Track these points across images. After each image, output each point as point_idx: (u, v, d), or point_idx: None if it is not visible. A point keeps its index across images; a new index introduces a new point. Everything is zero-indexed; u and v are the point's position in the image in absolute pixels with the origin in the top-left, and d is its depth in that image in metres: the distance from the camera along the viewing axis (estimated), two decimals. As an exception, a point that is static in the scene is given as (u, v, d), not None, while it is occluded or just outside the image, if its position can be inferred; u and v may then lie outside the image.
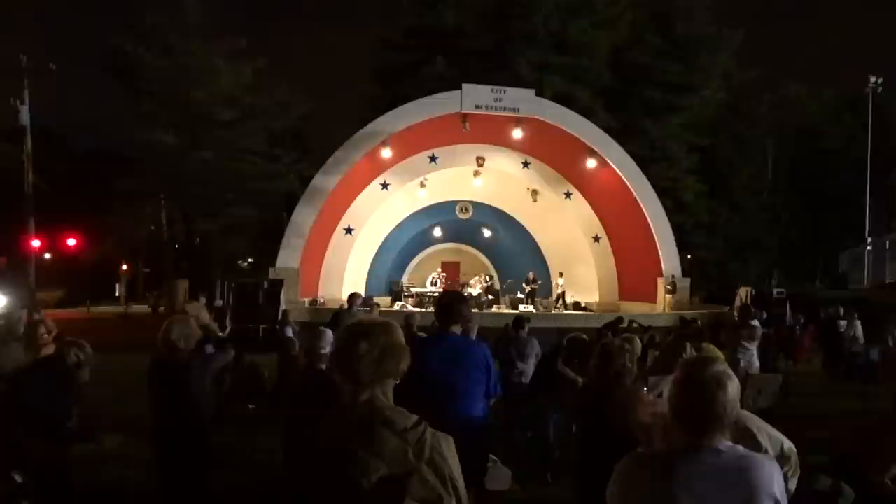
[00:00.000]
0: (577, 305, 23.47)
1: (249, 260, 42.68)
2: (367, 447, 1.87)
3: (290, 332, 12.16)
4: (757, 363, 8.49)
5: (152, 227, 32.76)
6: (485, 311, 21.41)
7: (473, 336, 7.42)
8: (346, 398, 2.02)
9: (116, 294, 41.17)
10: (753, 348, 8.50)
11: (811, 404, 10.53)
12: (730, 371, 2.08)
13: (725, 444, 2.03)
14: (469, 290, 23.22)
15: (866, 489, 3.98)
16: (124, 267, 42.82)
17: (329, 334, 4.83)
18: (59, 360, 4.69)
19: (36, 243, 22.82)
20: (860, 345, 14.18)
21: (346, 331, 2.11)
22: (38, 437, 4.25)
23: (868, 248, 30.34)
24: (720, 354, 8.12)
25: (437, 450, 1.93)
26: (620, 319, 11.24)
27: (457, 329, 4.14)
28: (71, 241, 30.33)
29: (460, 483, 1.97)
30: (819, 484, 3.70)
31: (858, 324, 14.56)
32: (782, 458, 3.27)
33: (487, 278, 24.50)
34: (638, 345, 5.85)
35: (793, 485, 3.26)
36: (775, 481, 2.02)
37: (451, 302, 4.18)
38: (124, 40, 26.82)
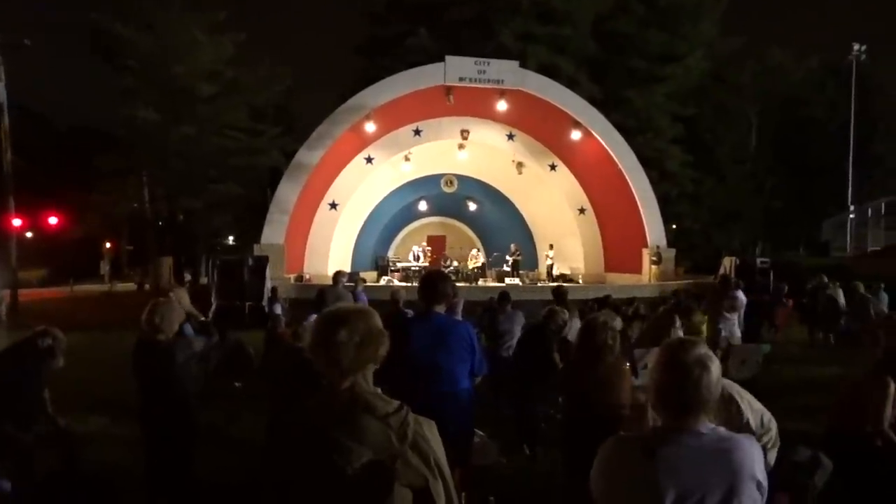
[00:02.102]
0: (563, 277, 23.56)
1: (231, 239, 42.37)
2: (349, 434, 1.88)
3: (279, 309, 12.15)
4: (738, 333, 8.57)
5: (135, 205, 32.40)
6: (472, 284, 21.53)
7: (459, 311, 7.45)
8: (327, 386, 2.01)
9: (101, 272, 40.91)
10: (734, 318, 8.58)
11: (793, 372, 10.65)
12: (711, 353, 2.08)
13: (708, 426, 2.04)
14: (454, 263, 23.44)
15: (862, 447, 4.06)
16: (108, 245, 42.52)
17: (311, 315, 4.84)
18: (27, 347, 4.65)
19: (17, 222, 22.57)
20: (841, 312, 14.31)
21: (324, 319, 2.09)
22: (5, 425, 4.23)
23: (851, 215, 30.53)
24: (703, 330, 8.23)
25: (421, 433, 1.94)
26: (608, 297, 11.34)
27: (440, 308, 4.14)
28: (52, 220, 30.04)
29: (445, 466, 1.98)
30: (798, 455, 3.76)
31: (840, 292, 14.67)
32: (762, 429, 3.32)
33: (477, 252, 24.73)
34: (619, 321, 5.88)
35: (772, 456, 3.31)
36: (757, 462, 2.04)
37: (435, 281, 4.17)
38: (103, 16, 26.35)
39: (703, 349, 2.07)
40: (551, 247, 23.85)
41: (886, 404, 4.05)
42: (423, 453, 1.92)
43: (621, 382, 3.81)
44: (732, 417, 3.30)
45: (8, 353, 4.64)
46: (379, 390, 2.07)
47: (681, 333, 8.23)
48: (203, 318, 5.45)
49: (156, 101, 26.40)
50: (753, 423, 3.31)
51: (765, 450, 3.26)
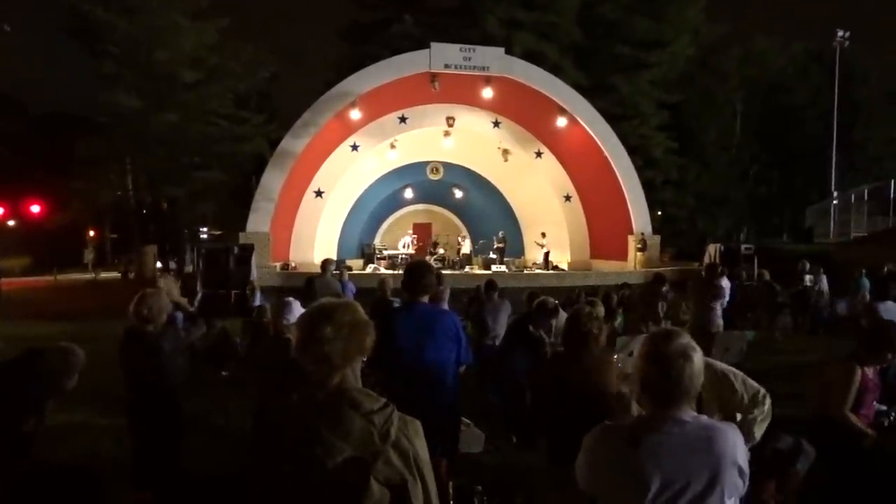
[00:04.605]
0: (555, 267, 23.41)
1: (206, 229, 42.03)
2: (332, 428, 1.89)
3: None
4: (721, 321, 8.60)
5: (119, 193, 32.08)
6: (457, 270, 21.57)
7: (446, 299, 7.45)
8: (315, 381, 2.02)
9: (84, 261, 40.59)
10: (718, 306, 8.61)
11: (777, 359, 10.76)
12: (693, 343, 2.11)
13: (691, 414, 2.08)
14: (441, 251, 23.50)
15: (840, 431, 4.14)
16: (91, 233, 42.15)
17: (294, 304, 4.81)
18: (38, 362, 4.53)
19: (-2, 211, 22.35)
20: (826, 299, 14.45)
21: (309, 315, 2.09)
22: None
23: (834, 202, 30.74)
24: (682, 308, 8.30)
25: (404, 432, 1.95)
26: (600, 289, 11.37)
27: (425, 299, 4.14)
28: (35, 208, 29.72)
29: (427, 467, 1.99)
30: (781, 442, 3.80)
31: (824, 278, 14.80)
32: (755, 403, 3.40)
33: (463, 239, 24.76)
34: (601, 310, 5.91)
35: (760, 431, 3.38)
36: (738, 449, 2.08)
37: (419, 273, 4.16)
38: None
39: (686, 339, 2.10)
40: (544, 235, 23.68)
41: (848, 389, 4.11)
42: (404, 453, 1.93)
43: (607, 372, 3.82)
44: (724, 394, 3.38)
45: (14, 361, 4.48)
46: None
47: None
48: (191, 309, 5.41)
49: (137, 86, 26.13)
50: (746, 399, 3.40)
51: (755, 422, 3.35)
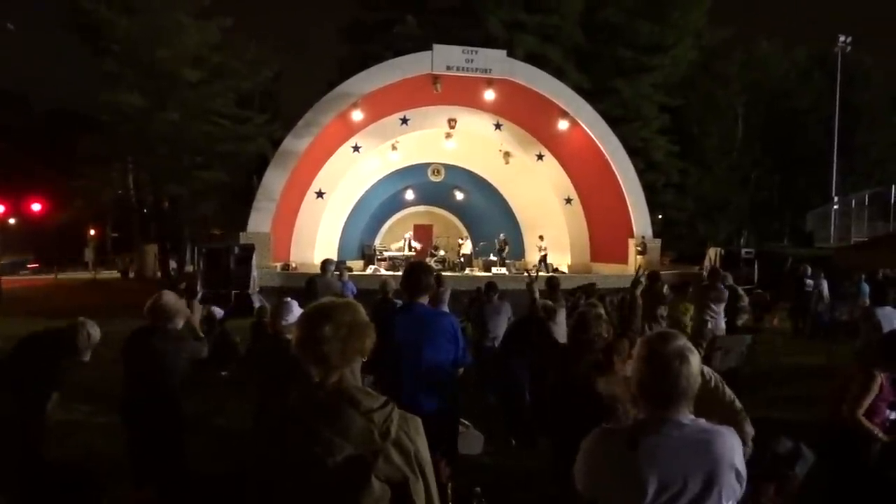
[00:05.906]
0: (556, 270, 23.33)
1: (211, 229, 42.04)
2: (332, 427, 1.89)
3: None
4: (723, 325, 8.62)
5: (120, 192, 32.04)
6: (457, 272, 21.55)
7: (446, 299, 7.46)
8: (314, 381, 2.02)
9: (85, 259, 40.62)
10: (720, 310, 8.62)
11: (776, 363, 10.76)
12: (690, 345, 2.12)
13: (689, 416, 2.09)
14: (441, 252, 23.48)
15: (848, 436, 4.16)
16: (92, 232, 42.20)
17: (293, 305, 4.81)
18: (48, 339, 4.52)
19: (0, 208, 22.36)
20: (826, 304, 14.45)
21: (308, 314, 2.09)
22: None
23: (835, 206, 30.70)
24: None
25: (404, 430, 1.95)
26: (593, 285, 11.27)
27: (423, 300, 4.14)
28: (36, 207, 29.71)
29: (428, 464, 1.99)
30: (780, 446, 3.81)
31: (825, 283, 14.80)
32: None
33: (463, 241, 24.77)
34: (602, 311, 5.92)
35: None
36: (736, 452, 2.08)
37: (417, 273, 4.16)
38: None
39: (682, 341, 2.11)
40: (542, 238, 23.65)
41: (866, 395, 4.14)
42: (404, 450, 1.93)
43: (610, 376, 3.83)
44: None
45: (28, 340, 4.50)
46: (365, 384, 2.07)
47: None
48: (201, 335, 5.40)
49: (139, 85, 26.11)
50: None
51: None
